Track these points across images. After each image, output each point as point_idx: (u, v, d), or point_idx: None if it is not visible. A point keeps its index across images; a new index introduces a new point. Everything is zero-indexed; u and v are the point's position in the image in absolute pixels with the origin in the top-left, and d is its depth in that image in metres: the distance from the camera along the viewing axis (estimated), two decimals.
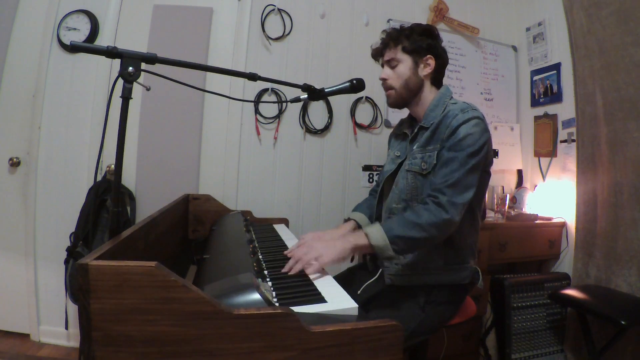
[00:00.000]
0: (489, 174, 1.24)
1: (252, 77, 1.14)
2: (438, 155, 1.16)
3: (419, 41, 1.24)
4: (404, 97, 1.27)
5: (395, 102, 1.30)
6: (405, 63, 1.25)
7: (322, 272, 1.07)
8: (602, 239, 1.82)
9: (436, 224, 1.07)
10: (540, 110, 2.35)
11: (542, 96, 2.33)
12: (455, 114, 1.16)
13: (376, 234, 1.08)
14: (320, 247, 1.06)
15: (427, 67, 1.26)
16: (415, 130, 1.27)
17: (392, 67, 1.27)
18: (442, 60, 1.28)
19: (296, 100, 1.31)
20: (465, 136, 1.12)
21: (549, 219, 2.16)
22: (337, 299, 0.87)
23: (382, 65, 1.32)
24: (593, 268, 1.86)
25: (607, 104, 1.82)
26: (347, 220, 1.45)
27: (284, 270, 1.04)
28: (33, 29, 1.94)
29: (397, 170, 1.32)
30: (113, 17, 1.97)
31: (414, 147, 1.25)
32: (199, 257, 1.30)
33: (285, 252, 1.17)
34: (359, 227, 1.40)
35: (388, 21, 2.24)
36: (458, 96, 2.37)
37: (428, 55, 1.25)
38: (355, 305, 0.84)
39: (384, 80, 1.29)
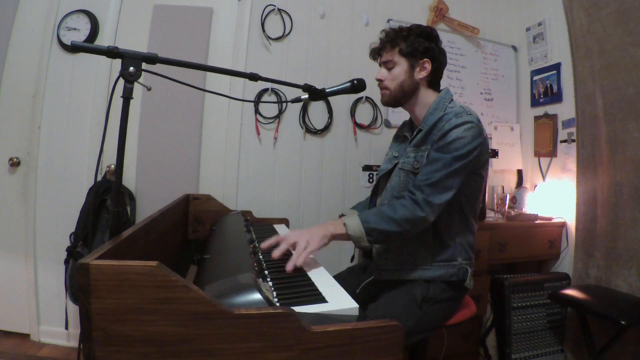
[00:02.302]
0: (482, 177, 1.25)
1: (252, 77, 1.14)
2: (428, 155, 1.18)
3: (416, 44, 1.24)
4: (398, 98, 1.29)
5: (388, 102, 1.32)
6: (401, 66, 1.26)
7: (317, 265, 1.08)
8: (602, 239, 1.82)
9: (410, 219, 1.12)
10: (540, 110, 2.35)
11: (542, 96, 2.33)
12: (450, 117, 1.17)
13: (353, 225, 1.13)
14: (300, 235, 1.11)
15: (423, 70, 1.26)
16: (415, 134, 1.28)
17: (389, 69, 1.29)
18: (439, 63, 1.28)
19: (297, 100, 1.31)
20: (455, 140, 1.13)
21: (549, 219, 2.16)
22: (337, 299, 0.87)
23: (380, 65, 1.33)
24: (593, 268, 1.86)
25: (607, 104, 1.82)
26: (341, 216, 1.48)
27: (274, 254, 1.08)
28: (33, 29, 1.94)
29: (393, 169, 1.34)
30: (113, 17, 1.97)
31: (409, 147, 1.27)
32: (200, 257, 1.30)
33: (263, 245, 1.17)
34: None
35: (388, 21, 2.24)
36: (458, 96, 2.37)
37: (425, 59, 1.25)
38: (356, 305, 0.84)
39: (379, 81, 1.31)
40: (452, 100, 1.27)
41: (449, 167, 1.12)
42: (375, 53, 1.34)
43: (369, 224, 1.12)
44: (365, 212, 1.18)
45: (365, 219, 1.13)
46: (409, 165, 1.24)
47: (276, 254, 1.08)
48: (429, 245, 1.20)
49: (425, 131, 1.22)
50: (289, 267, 1.04)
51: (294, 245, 1.09)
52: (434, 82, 1.30)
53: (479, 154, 1.17)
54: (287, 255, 1.20)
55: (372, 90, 2.12)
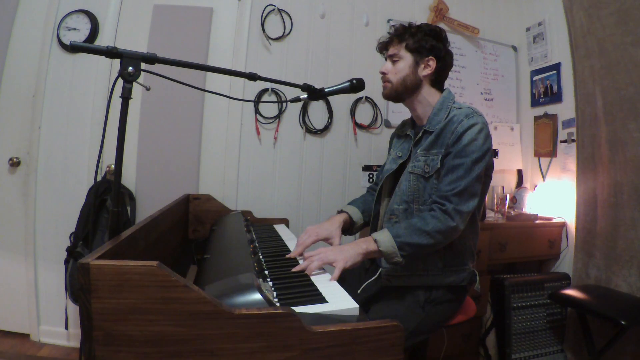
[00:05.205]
0: (490, 178, 1.26)
1: (252, 77, 1.15)
2: (442, 160, 1.18)
3: (423, 41, 1.25)
4: (399, 92, 1.29)
5: (389, 95, 1.32)
6: (405, 60, 1.27)
7: (324, 272, 1.07)
8: (602, 239, 1.82)
9: (442, 230, 1.11)
10: (540, 110, 2.35)
11: (542, 96, 2.33)
12: (460, 119, 1.17)
13: (385, 240, 1.11)
14: (334, 253, 1.10)
15: (428, 68, 1.26)
16: (420, 134, 1.28)
17: (393, 63, 1.29)
18: (444, 63, 1.28)
19: (296, 100, 1.31)
20: (470, 142, 1.14)
21: (549, 219, 2.16)
22: (337, 299, 0.87)
23: (386, 59, 1.33)
24: (593, 268, 1.86)
25: (607, 104, 1.82)
26: (340, 212, 1.47)
27: (296, 269, 1.06)
28: (33, 29, 1.94)
29: (398, 170, 1.33)
30: (113, 17, 1.97)
31: (418, 150, 1.26)
32: (200, 257, 1.30)
33: (289, 255, 1.20)
34: (350, 219, 1.44)
35: (388, 21, 2.24)
36: (458, 96, 2.37)
37: (430, 57, 1.26)
38: (356, 305, 0.84)
39: (383, 74, 1.31)
40: (454, 101, 1.27)
41: (471, 172, 1.13)
42: (383, 46, 1.34)
43: (401, 238, 1.10)
44: (394, 226, 1.16)
45: (397, 234, 1.11)
46: (419, 169, 1.22)
47: (311, 269, 1.05)
48: (440, 250, 1.19)
49: (436, 134, 1.21)
50: (305, 268, 1.06)
51: (329, 262, 1.08)
52: (437, 81, 1.30)
53: (491, 155, 1.19)
54: (284, 257, 1.21)
55: (372, 90, 2.12)
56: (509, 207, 2.21)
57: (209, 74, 2.01)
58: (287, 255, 1.21)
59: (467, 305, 1.35)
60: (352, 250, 1.11)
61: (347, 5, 2.21)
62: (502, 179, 2.45)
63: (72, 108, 1.96)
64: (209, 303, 0.65)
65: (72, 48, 0.89)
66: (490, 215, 2.17)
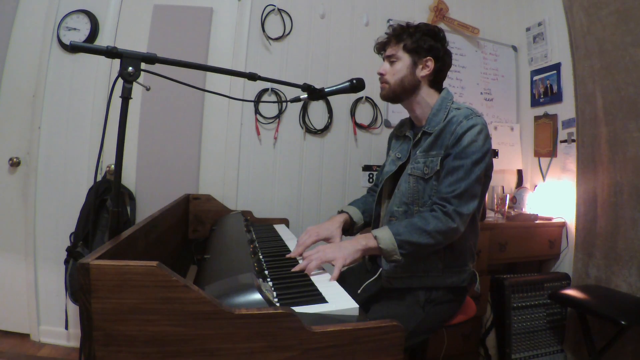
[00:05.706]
0: (489, 178, 1.26)
1: (252, 77, 1.15)
2: (442, 161, 1.17)
3: (421, 41, 1.24)
4: (397, 93, 1.28)
5: (387, 96, 1.31)
6: (403, 61, 1.26)
7: (324, 271, 1.08)
8: (602, 239, 1.82)
9: (443, 231, 1.11)
10: (540, 110, 2.35)
11: (542, 96, 2.33)
12: (460, 120, 1.16)
13: (385, 237, 1.11)
14: (333, 251, 1.10)
15: (426, 68, 1.26)
16: (419, 135, 1.27)
17: (391, 63, 1.28)
18: (442, 63, 1.28)
19: (296, 100, 1.31)
20: (470, 143, 1.13)
21: (549, 219, 2.16)
22: (338, 299, 0.87)
23: (384, 60, 1.33)
24: (593, 268, 1.86)
25: (607, 104, 1.82)
26: (340, 212, 1.47)
27: (295, 269, 1.06)
28: (33, 29, 1.94)
29: (397, 172, 1.33)
30: (113, 17, 1.97)
31: (417, 152, 1.25)
32: (200, 257, 1.30)
33: (290, 255, 1.20)
34: (351, 219, 1.44)
35: (388, 21, 2.24)
36: (458, 96, 2.37)
37: (428, 57, 1.25)
38: (356, 305, 0.84)
39: (380, 75, 1.31)
40: (453, 101, 1.27)
41: (471, 173, 1.12)
42: (381, 47, 1.34)
43: (401, 237, 1.10)
44: (395, 224, 1.16)
45: (397, 232, 1.11)
46: (419, 171, 1.21)
47: (310, 269, 1.05)
48: (440, 251, 1.19)
49: (435, 135, 1.20)
50: (304, 268, 1.05)
51: (328, 260, 1.08)
52: (436, 81, 1.29)
53: (490, 156, 1.19)
54: (284, 257, 1.21)
55: (372, 90, 2.12)
56: (509, 207, 2.21)
57: (209, 73, 2.01)
58: (287, 255, 1.20)
59: (467, 305, 1.35)
60: (350, 247, 1.11)
61: (347, 5, 2.21)
62: (502, 179, 2.45)
63: (72, 108, 1.96)
64: (208, 303, 0.65)
65: (72, 48, 0.89)
66: (490, 215, 2.17)
